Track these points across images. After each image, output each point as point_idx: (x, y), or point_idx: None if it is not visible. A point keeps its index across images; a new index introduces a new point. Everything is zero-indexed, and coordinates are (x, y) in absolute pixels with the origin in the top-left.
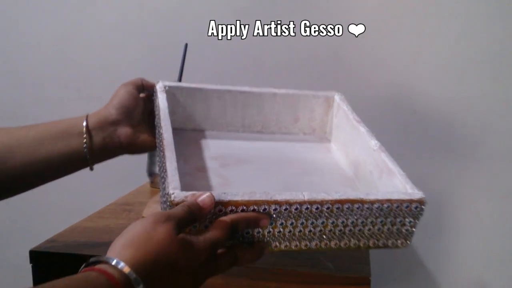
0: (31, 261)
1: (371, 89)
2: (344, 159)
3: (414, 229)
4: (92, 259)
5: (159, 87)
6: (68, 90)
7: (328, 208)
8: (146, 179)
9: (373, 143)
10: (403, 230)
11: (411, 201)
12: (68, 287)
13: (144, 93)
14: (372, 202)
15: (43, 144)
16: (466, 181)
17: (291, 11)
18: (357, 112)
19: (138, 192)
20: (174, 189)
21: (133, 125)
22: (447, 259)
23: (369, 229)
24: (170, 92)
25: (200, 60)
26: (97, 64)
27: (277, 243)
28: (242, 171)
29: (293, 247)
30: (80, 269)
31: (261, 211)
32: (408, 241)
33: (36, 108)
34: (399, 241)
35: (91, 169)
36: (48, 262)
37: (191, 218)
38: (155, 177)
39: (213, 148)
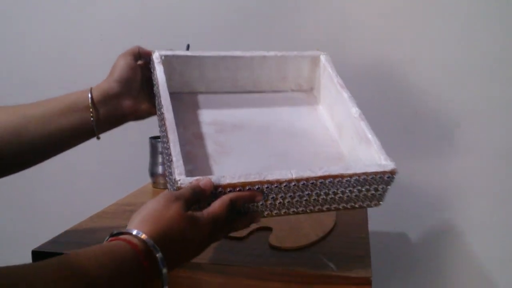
0: (33, 261)
1: (372, 88)
2: (330, 121)
3: (386, 192)
4: (115, 231)
5: (156, 58)
6: (67, 90)
7: (312, 183)
8: (148, 180)
9: (354, 110)
10: (377, 194)
11: (384, 173)
12: (101, 252)
13: (141, 61)
14: (350, 176)
15: (52, 119)
16: (467, 180)
17: (289, 8)
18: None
19: (140, 192)
20: (180, 175)
21: (134, 95)
22: (448, 259)
23: (348, 196)
24: (167, 61)
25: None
26: (96, 64)
27: (269, 211)
28: (236, 136)
29: (282, 213)
30: (105, 239)
31: (255, 189)
32: (380, 202)
33: None
34: (372, 203)
35: (98, 138)
36: None
37: (196, 198)
38: (157, 178)
39: (209, 112)
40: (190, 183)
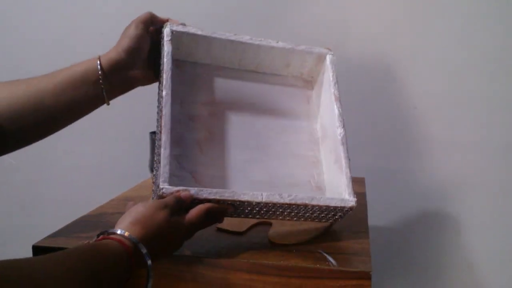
0: (34, 256)
1: (371, 84)
2: (319, 120)
3: (341, 219)
4: (104, 231)
5: (166, 34)
6: None
7: (280, 206)
8: (148, 175)
9: (339, 131)
10: (332, 219)
11: (343, 208)
12: (92, 249)
13: (153, 27)
14: (313, 206)
15: (65, 91)
16: (467, 177)
17: (287, 7)
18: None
19: (140, 187)
20: (164, 183)
21: (144, 64)
22: (447, 255)
23: (309, 216)
24: (177, 35)
25: None
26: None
27: (237, 216)
28: (227, 122)
29: (249, 217)
30: (94, 238)
31: (228, 204)
32: (333, 223)
33: None
34: (327, 222)
35: (108, 104)
36: None
37: (178, 207)
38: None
39: (208, 89)
40: (171, 193)
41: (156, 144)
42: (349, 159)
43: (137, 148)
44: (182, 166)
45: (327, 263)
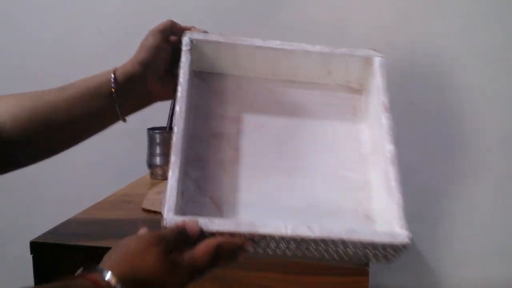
0: (31, 252)
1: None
2: (367, 134)
3: (395, 259)
4: (86, 269)
5: (185, 44)
6: (68, 81)
7: (308, 243)
8: (146, 171)
9: (388, 148)
10: (382, 260)
11: (392, 246)
12: None
13: (174, 37)
14: (353, 243)
15: (77, 105)
16: (465, 173)
17: (287, 7)
18: None
19: (138, 183)
20: (168, 212)
21: (160, 77)
22: (445, 250)
23: (349, 255)
24: (197, 45)
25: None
26: (97, 61)
27: (256, 253)
28: (256, 141)
29: (271, 255)
30: (76, 273)
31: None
32: (388, 263)
33: None
34: (378, 262)
35: (124, 120)
36: (49, 253)
37: (179, 242)
38: (155, 169)
39: (236, 102)
40: (176, 224)
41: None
42: (401, 183)
43: (136, 144)
44: (202, 191)
45: (324, 259)
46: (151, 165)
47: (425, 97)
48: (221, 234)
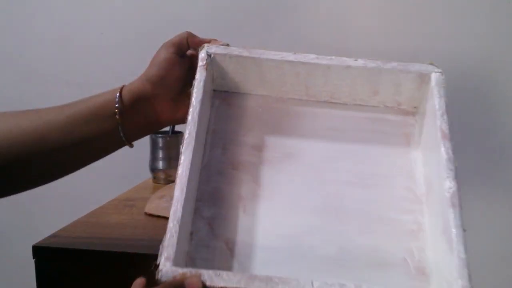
0: (34, 256)
1: None
2: (422, 168)
3: None
4: None
5: (201, 58)
6: (70, 86)
7: None
8: (148, 175)
9: (447, 185)
10: None
11: None
12: None
13: (191, 51)
14: None
15: (77, 127)
16: (466, 177)
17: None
18: None
19: (140, 187)
20: (166, 261)
21: (172, 97)
22: None
23: None
24: (217, 60)
25: None
26: (98, 61)
27: None
28: (284, 173)
29: None
30: None
31: None
32: None
33: (37, 105)
34: None
35: (131, 146)
36: (51, 257)
37: None
38: (157, 173)
39: (262, 127)
40: (174, 277)
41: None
42: (464, 230)
43: (138, 148)
44: (215, 232)
45: None
46: (153, 169)
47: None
48: None
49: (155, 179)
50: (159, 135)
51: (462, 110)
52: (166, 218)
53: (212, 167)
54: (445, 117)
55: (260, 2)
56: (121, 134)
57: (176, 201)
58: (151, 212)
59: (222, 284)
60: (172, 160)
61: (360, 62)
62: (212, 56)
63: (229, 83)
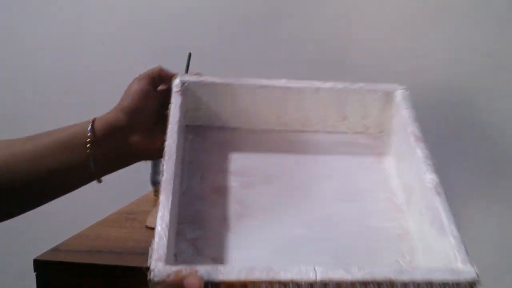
0: (35, 270)
1: None
2: (397, 180)
3: None
4: None
5: (175, 86)
6: (70, 94)
7: None
8: (149, 188)
9: (429, 178)
10: None
11: (458, 284)
12: None
13: (163, 86)
14: (405, 284)
15: (44, 157)
16: (466, 181)
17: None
18: None
19: (141, 201)
20: (157, 262)
21: (146, 130)
22: None
23: None
24: (191, 88)
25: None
26: (99, 69)
27: None
28: (267, 194)
29: None
30: None
31: None
32: None
33: (38, 112)
34: None
35: (99, 181)
36: (52, 271)
37: None
38: (159, 186)
39: (239, 155)
40: (168, 275)
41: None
42: (453, 214)
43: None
44: (200, 253)
45: None
46: (155, 182)
47: (427, 104)
48: (230, 286)
49: (156, 192)
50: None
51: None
52: None
53: (192, 193)
54: (416, 124)
55: (260, 7)
56: (92, 167)
57: (162, 207)
58: (152, 225)
59: (221, 278)
60: None
61: (329, 84)
62: (186, 84)
63: (201, 115)
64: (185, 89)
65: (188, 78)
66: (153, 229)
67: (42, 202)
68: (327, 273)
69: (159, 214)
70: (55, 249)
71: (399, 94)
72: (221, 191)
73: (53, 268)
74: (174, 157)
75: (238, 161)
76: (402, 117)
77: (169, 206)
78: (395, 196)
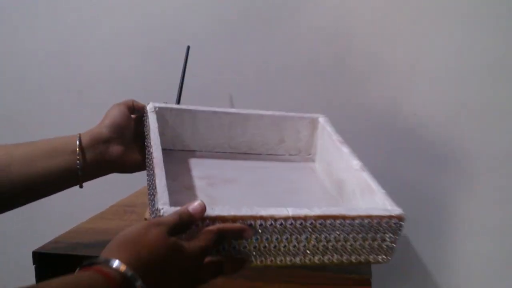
0: (34, 262)
1: (371, 92)
2: (328, 180)
3: (394, 245)
4: (86, 262)
5: (149, 108)
6: (70, 93)
7: (311, 223)
8: None
9: (355, 163)
10: (384, 246)
11: (390, 217)
12: (65, 286)
13: (135, 114)
14: (353, 218)
15: (36, 160)
16: (466, 183)
17: (289, 13)
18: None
19: (140, 193)
20: (164, 205)
21: (124, 143)
22: (447, 260)
23: (351, 245)
24: (160, 113)
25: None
26: (98, 67)
27: (263, 258)
28: (229, 190)
29: (278, 262)
30: (76, 271)
31: (247, 224)
32: (388, 257)
33: (37, 112)
34: (379, 257)
35: (81, 186)
36: (51, 263)
37: (182, 225)
38: None
39: (201, 167)
40: (178, 210)
41: (148, 182)
42: (376, 181)
43: None
44: None
45: (327, 269)
46: None
47: (427, 106)
48: (222, 220)
49: None
50: None
51: None
52: None
53: (168, 190)
54: (338, 134)
55: (259, 5)
56: (79, 172)
57: (158, 175)
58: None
59: (217, 213)
60: None
61: (269, 112)
62: (157, 108)
63: (168, 139)
64: (156, 112)
65: (157, 104)
66: None
67: (29, 201)
68: (296, 211)
69: (157, 179)
70: (54, 242)
71: (322, 119)
72: (192, 188)
73: (53, 260)
74: (160, 150)
75: (200, 170)
76: (328, 132)
77: (164, 175)
78: (328, 190)
